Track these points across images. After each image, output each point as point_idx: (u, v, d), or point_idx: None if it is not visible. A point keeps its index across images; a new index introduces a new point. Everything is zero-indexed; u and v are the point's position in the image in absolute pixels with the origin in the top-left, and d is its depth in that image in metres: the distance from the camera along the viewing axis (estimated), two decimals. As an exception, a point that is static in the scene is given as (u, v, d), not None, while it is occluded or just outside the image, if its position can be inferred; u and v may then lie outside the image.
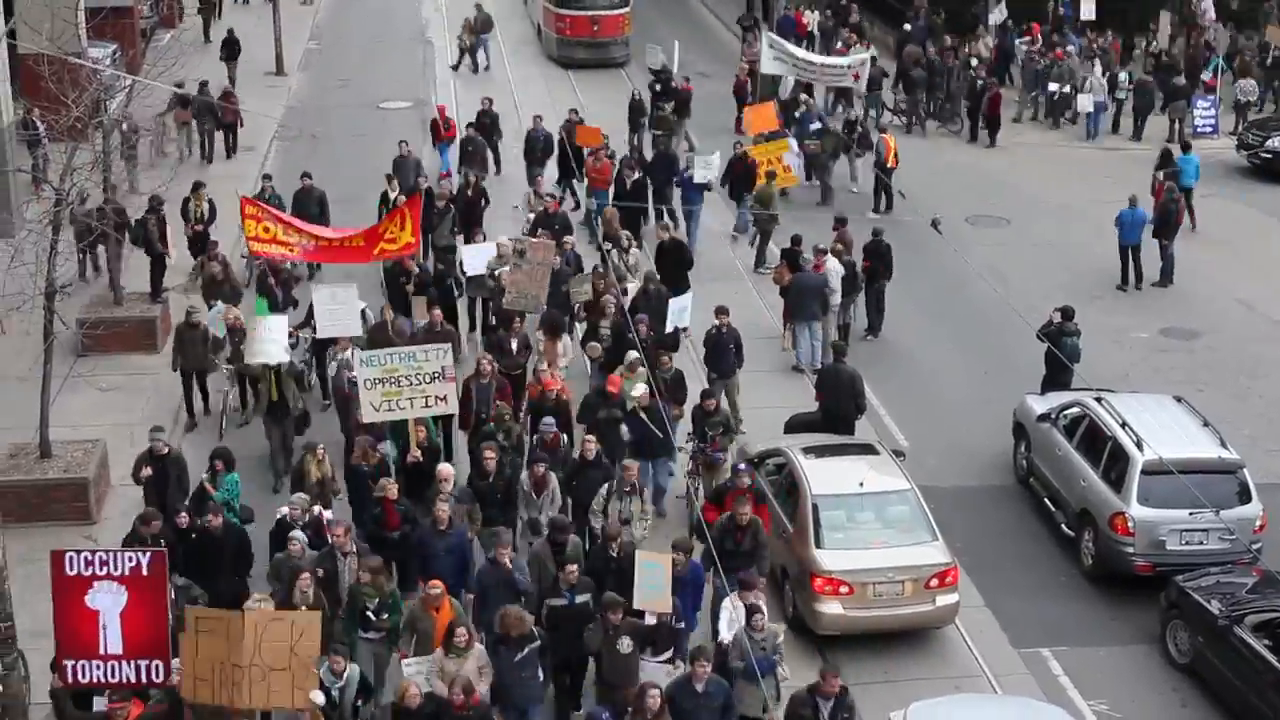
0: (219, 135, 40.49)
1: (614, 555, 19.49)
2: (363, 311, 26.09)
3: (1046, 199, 38.54)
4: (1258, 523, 22.20)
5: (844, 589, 20.46)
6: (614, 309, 26.53)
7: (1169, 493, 21.63)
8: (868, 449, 23.46)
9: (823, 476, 21.75)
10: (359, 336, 25.45)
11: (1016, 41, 48.84)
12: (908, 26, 50.48)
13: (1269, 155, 40.53)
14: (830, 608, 20.53)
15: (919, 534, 21.14)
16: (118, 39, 41.55)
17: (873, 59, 44.22)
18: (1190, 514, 21.73)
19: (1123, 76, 44.37)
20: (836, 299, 29.09)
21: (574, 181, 36.13)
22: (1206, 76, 45.84)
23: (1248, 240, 36.04)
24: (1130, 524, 22.02)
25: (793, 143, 36.79)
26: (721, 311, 26.72)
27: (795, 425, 25.26)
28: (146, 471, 22.03)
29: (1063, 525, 23.70)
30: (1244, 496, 22.27)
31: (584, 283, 27.87)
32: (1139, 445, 22.35)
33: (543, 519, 21.04)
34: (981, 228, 36.03)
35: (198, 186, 32.06)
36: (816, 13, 52.87)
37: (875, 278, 30.16)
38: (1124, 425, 22.95)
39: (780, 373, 28.83)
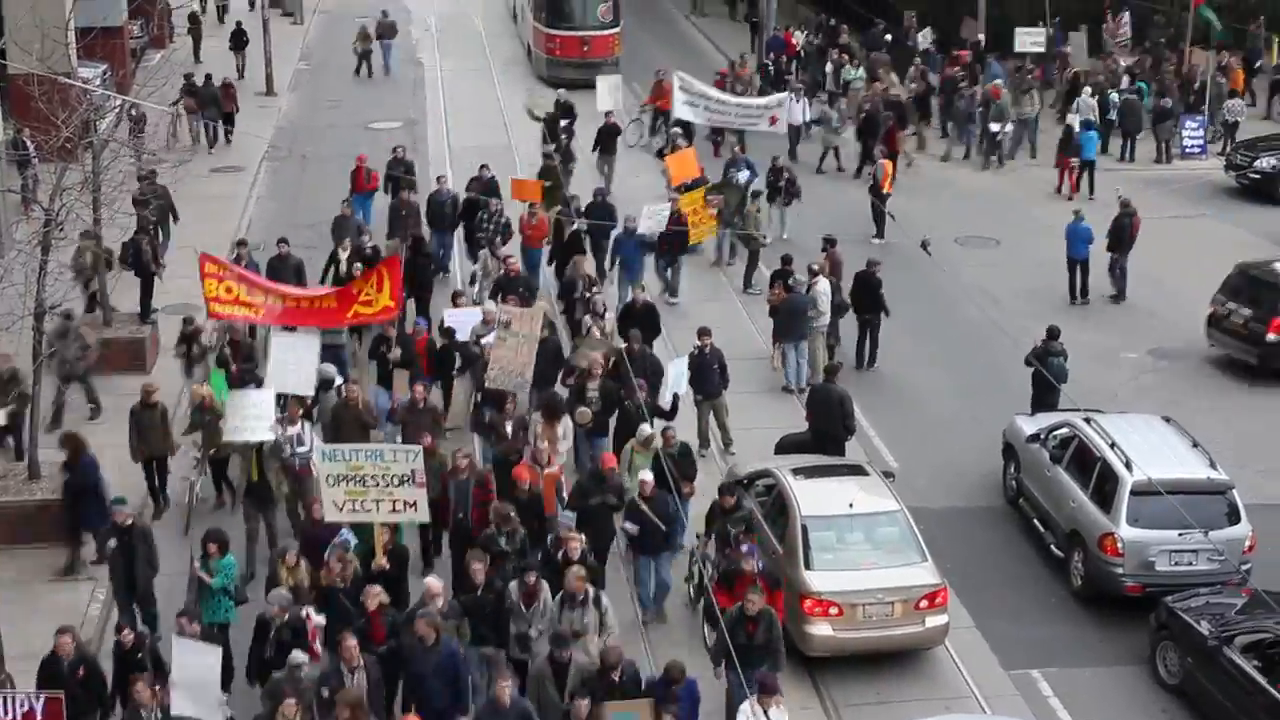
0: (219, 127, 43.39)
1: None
2: (327, 381, 24.61)
3: (1036, 219, 38.57)
4: (1247, 543, 22.20)
5: (833, 610, 20.45)
6: (601, 368, 25.07)
7: (1158, 513, 21.64)
8: (857, 470, 23.44)
9: (812, 498, 21.73)
10: (318, 409, 24.25)
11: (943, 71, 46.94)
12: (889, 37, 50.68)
13: (1257, 176, 40.62)
14: (820, 629, 20.51)
15: (908, 555, 21.14)
16: (108, 59, 41.57)
17: (829, 95, 44.28)
18: (1179, 535, 21.74)
19: (1114, 97, 44.37)
20: (824, 320, 29.12)
21: (484, 246, 32.02)
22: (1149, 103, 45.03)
23: (1236, 261, 36.02)
24: (1119, 545, 22.02)
25: (744, 174, 35.58)
26: (704, 333, 26.71)
27: (786, 446, 25.27)
28: (112, 544, 20.52)
29: (1052, 546, 23.70)
30: (1233, 517, 22.28)
31: (595, 348, 26.04)
32: (1128, 466, 22.36)
33: (533, 633, 19.18)
34: (971, 248, 36.09)
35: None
36: (806, 32, 52.94)
37: (861, 310, 29.84)
38: (1113, 446, 22.97)
39: (769, 393, 28.84)
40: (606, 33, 51.53)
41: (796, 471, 22.68)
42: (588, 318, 27.71)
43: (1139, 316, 32.89)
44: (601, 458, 22.93)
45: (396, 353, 25.67)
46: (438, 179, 34.98)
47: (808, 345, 29.03)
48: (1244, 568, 21.76)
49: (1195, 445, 23.53)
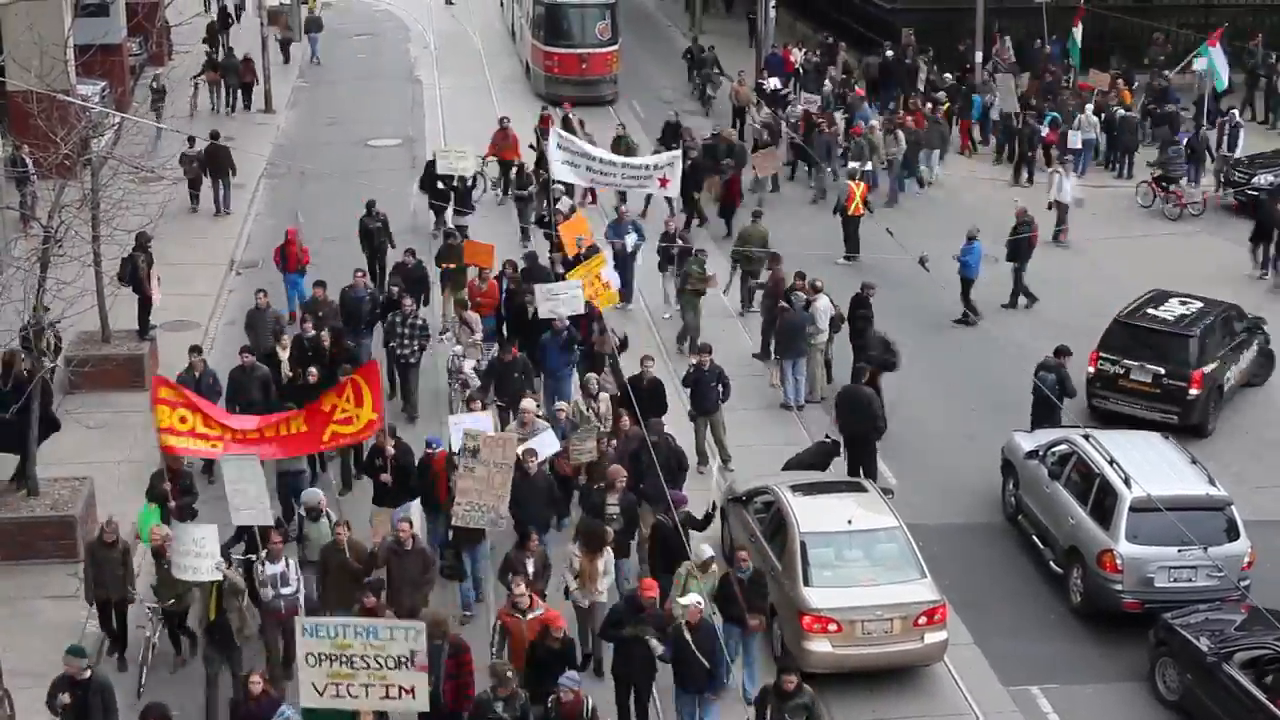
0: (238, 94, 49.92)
1: None
2: (314, 510, 21.51)
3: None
4: (1246, 559, 22.22)
5: (832, 627, 20.43)
6: (625, 480, 22.08)
7: (1157, 530, 21.66)
8: (856, 487, 23.46)
9: (811, 514, 21.73)
10: (306, 544, 21.51)
11: (799, 109, 44.24)
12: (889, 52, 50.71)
13: (1255, 193, 40.58)
14: (819, 646, 20.49)
15: (907, 572, 21.13)
16: (106, 76, 41.60)
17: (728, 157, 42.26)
18: (1179, 551, 21.75)
19: (1120, 113, 44.35)
20: (822, 337, 29.15)
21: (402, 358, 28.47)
22: (1044, 130, 43.66)
23: (1233, 278, 36.07)
24: (1119, 561, 22.01)
25: (631, 239, 33.04)
26: (703, 350, 26.70)
27: (793, 466, 25.34)
28: (64, 699, 17.97)
29: (1051, 563, 23.69)
30: (1232, 533, 22.29)
31: (587, 439, 23.92)
32: (1127, 482, 22.36)
33: None
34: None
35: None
36: (805, 50, 52.99)
37: (858, 335, 29.53)
38: (1112, 462, 22.97)
39: (768, 410, 28.85)
40: (604, 51, 51.72)
41: (795, 488, 22.68)
42: (578, 399, 25.36)
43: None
44: (641, 584, 19.91)
45: (387, 478, 22.78)
46: (355, 273, 30.13)
47: (805, 364, 29.06)
48: (1243, 584, 21.77)
49: (1194, 462, 23.54)
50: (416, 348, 28.13)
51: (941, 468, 27.00)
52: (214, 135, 39.42)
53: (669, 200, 35.93)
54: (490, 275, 30.09)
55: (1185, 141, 42.20)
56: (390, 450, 22.85)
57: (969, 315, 32.81)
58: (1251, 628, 20.27)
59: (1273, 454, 27.72)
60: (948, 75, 48.53)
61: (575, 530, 21.62)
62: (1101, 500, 22.73)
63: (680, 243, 32.64)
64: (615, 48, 52.24)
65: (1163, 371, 27.83)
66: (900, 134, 41.45)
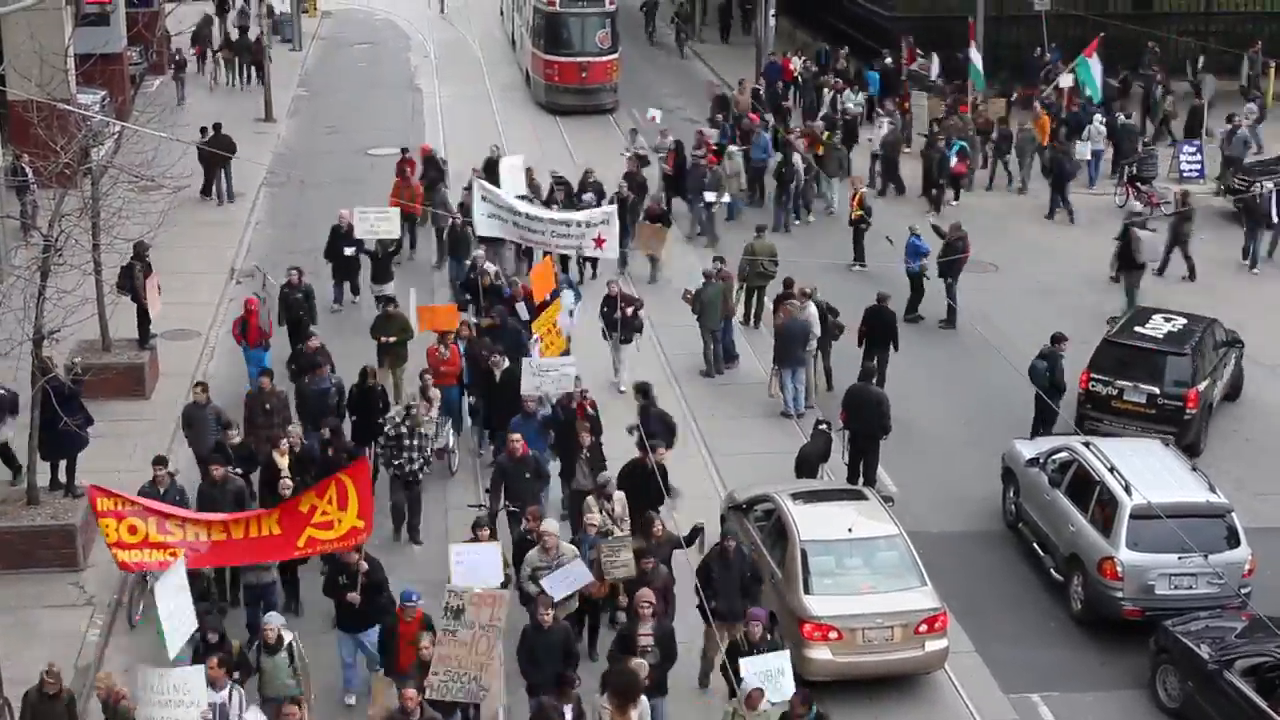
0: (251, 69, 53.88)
1: None
2: (271, 638, 18.62)
3: (1036, 244, 38.62)
4: (1246, 567, 22.22)
5: (833, 634, 20.42)
6: (655, 604, 19.30)
7: (1158, 537, 21.66)
8: (856, 494, 23.46)
9: (811, 522, 21.72)
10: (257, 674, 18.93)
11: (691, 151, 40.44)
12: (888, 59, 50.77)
13: (1256, 200, 40.55)
14: (819, 653, 20.48)
15: (908, 579, 21.12)
16: (106, 85, 41.66)
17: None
18: (1179, 558, 21.75)
19: (1121, 121, 44.34)
20: (813, 344, 29.19)
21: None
22: (952, 160, 41.37)
23: (1233, 285, 36.14)
24: (1119, 568, 22.01)
25: (568, 296, 29.46)
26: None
27: (802, 457, 25.44)
28: None
29: (1051, 570, 23.69)
30: (1233, 541, 22.29)
31: (621, 550, 20.84)
32: (1127, 490, 22.37)
33: None
34: (971, 273, 36.00)
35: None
36: (804, 58, 53.03)
37: (875, 345, 29.58)
38: (1112, 470, 22.97)
39: (766, 418, 28.86)
40: (604, 59, 51.86)
41: (796, 496, 22.68)
42: (590, 504, 22.11)
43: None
44: None
45: (355, 597, 19.79)
46: (315, 350, 26.91)
47: (804, 372, 29.08)
48: (1244, 591, 21.77)
49: (1194, 469, 23.55)
50: (424, 460, 24.26)
51: (942, 475, 27.01)
52: (216, 127, 40.29)
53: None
54: (452, 340, 27.33)
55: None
56: (362, 566, 19.68)
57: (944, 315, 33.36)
58: (1252, 635, 20.24)
59: (1272, 461, 27.73)
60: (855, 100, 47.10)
61: (602, 679, 18.34)
62: (1102, 508, 22.73)
63: (627, 309, 29.14)
64: (615, 56, 52.35)
65: (1157, 391, 27.38)
66: (797, 158, 39.33)
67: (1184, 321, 28.96)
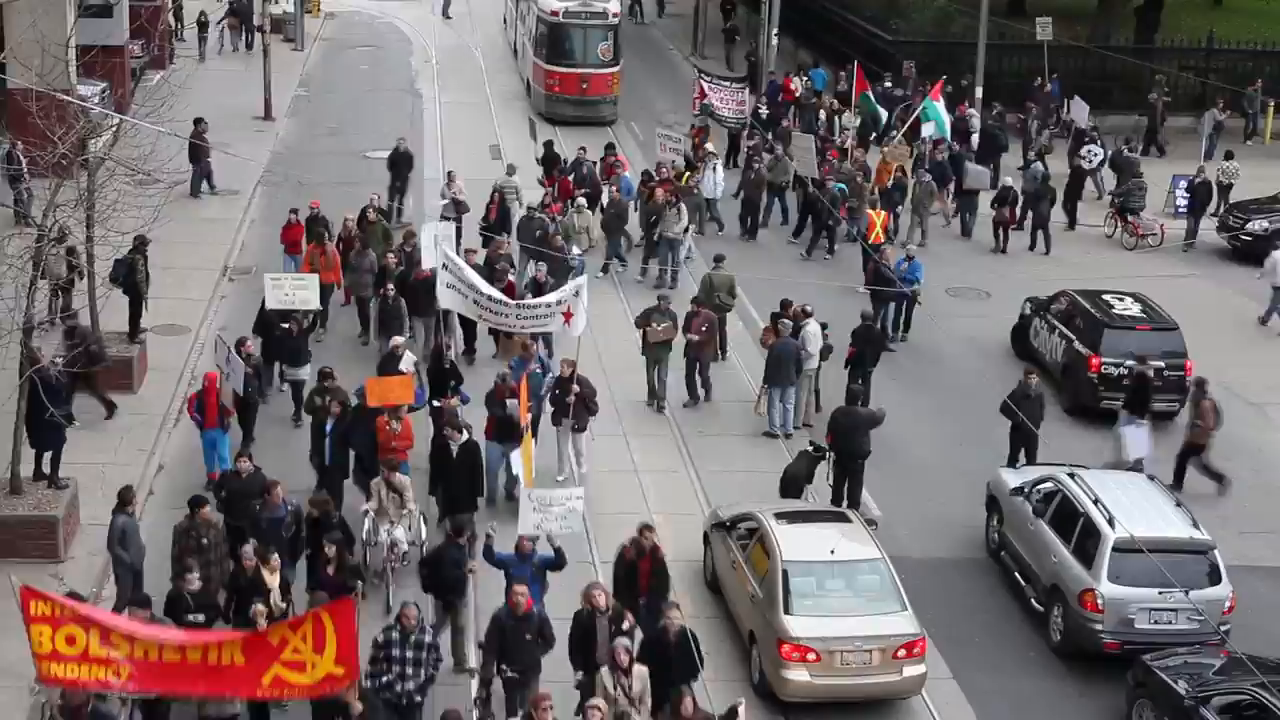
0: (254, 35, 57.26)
1: None
2: None
3: (1027, 272, 38.66)
4: (1227, 604, 22.22)
5: (811, 656, 20.42)
6: None
7: (1139, 571, 21.68)
8: (840, 517, 23.47)
9: (794, 543, 21.73)
10: None
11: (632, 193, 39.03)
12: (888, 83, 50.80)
13: (1249, 238, 40.75)
14: (797, 674, 20.47)
15: (889, 604, 21.13)
16: (107, 78, 41.61)
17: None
18: (1160, 593, 21.76)
19: (1125, 153, 44.37)
20: (812, 364, 29.17)
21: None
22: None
23: (1226, 322, 36.18)
24: (1100, 601, 22.01)
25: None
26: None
27: (787, 477, 25.58)
28: None
29: (1032, 600, 23.69)
30: (1214, 577, 22.30)
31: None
32: (1111, 522, 22.38)
33: None
34: (963, 299, 36.14)
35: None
36: (806, 77, 53.03)
37: (862, 363, 29.77)
38: (1096, 502, 22.98)
39: (751, 438, 28.84)
40: (606, 71, 51.78)
41: (779, 516, 22.69)
42: (603, 680, 18.59)
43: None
44: None
45: None
46: (266, 489, 22.30)
47: (794, 392, 29.07)
48: (1223, 628, 21.78)
49: (1178, 504, 23.56)
50: (424, 678, 19.01)
51: (927, 501, 27.01)
52: (196, 121, 39.71)
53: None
54: (404, 413, 24.79)
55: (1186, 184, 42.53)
56: (356, 708, 17.42)
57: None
58: (1230, 673, 20.25)
59: (1258, 499, 27.77)
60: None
61: None
62: (1084, 539, 22.73)
63: (576, 389, 26.13)
64: (616, 69, 52.18)
65: (1162, 365, 29.81)
66: (682, 209, 36.55)
67: (1130, 297, 32.17)
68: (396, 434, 24.42)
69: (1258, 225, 40.81)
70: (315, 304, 29.18)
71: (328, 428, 24.98)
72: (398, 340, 27.88)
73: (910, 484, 27.52)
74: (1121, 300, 31.99)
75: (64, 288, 29.85)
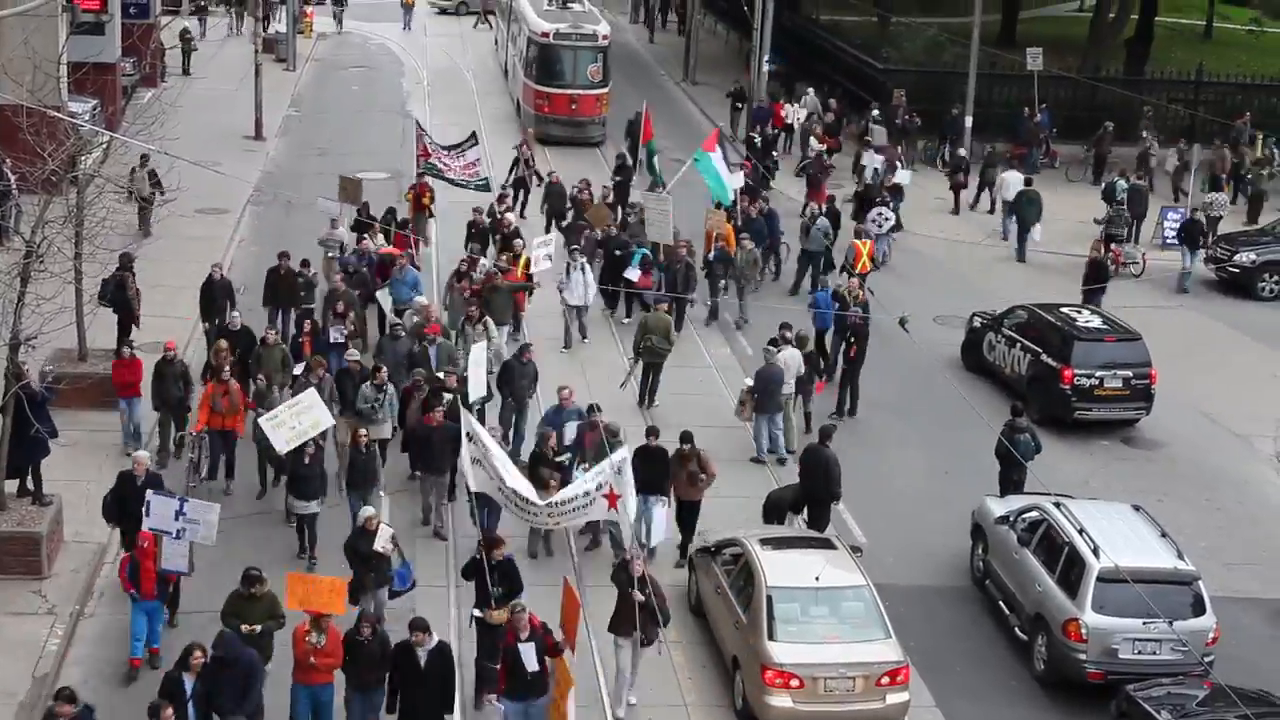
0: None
1: None
2: None
3: (1016, 301, 38.73)
4: (1211, 635, 22.22)
5: (794, 682, 20.37)
6: None
7: (1124, 601, 21.65)
8: (825, 544, 23.44)
9: (779, 569, 21.70)
10: None
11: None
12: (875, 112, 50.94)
13: (1236, 269, 40.89)
14: (780, 700, 20.42)
15: (872, 631, 21.10)
16: (98, 95, 41.63)
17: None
18: (1144, 623, 21.74)
19: (1121, 184, 44.50)
20: (789, 389, 29.14)
21: None
22: (636, 273, 34.92)
23: (1213, 353, 36.27)
24: (1083, 631, 22.00)
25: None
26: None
27: (772, 501, 25.61)
28: None
29: (1016, 629, 23.68)
30: (1198, 608, 22.30)
31: None
32: (1095, 552, 22.37)
33: None
34: (950, 327, 36.17)
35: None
36: (797, 105, 53.19)
37: (858, 360, 30.84)
38: (1081, 531, 22.99)
39: (739, 464, 28.79)
40: (594, 92, 52.49)
41: (765, 542, 22.67)
42: None
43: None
44: None
45: None
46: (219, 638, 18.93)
47: (781, 418, 29.08)
48: (1207, 659, 21.77)
49: (1163, 535, 23.57)
50: None
51: (912, 529, 26.99)
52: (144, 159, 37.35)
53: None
54: (330, 622, 19.40)
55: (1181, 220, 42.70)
56: None
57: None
58: (1213, 704, 20.25)
59: (1243, 531, 27.81)
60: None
61: None
62: (1069, 569, 22.73)
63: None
64: (605, 90, 52.87)
65: (1130, 375, 31.09)
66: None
67: (1086, 310, 33.28)
68: (319, 649, 19.17)
69: (1245, 257, 40.96)
70: (328, 420, 24.23)
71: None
72: (368, 512, 21.98)
73: (895, 511, 27.50)
74: (1080, 313, 32.87)
75: (147, 202, 36.23)
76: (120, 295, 29.55)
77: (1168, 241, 43.45)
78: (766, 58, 54.15)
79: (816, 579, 21.57)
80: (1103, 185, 45.79)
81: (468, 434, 21.69)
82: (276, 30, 61.62)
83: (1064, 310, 32.90)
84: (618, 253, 35.62)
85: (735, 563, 22.49)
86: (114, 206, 26.76)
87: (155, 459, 25.62)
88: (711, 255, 36.35)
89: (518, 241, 34.67)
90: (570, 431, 25.56)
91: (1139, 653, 22.03)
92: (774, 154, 48.33)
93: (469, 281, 32.20)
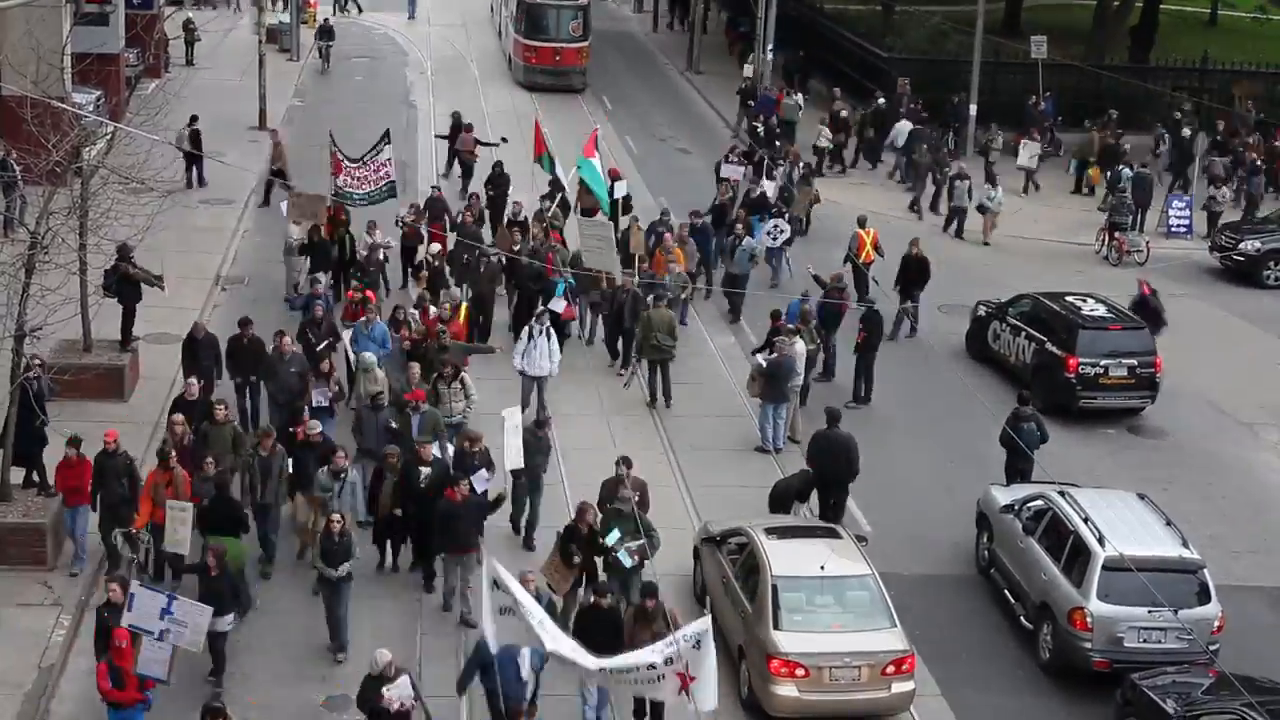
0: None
1: None
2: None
3: (1019, 289, 38.69)
4: (1216, 623, 22.22)
5: (800, 671, 20.38)
6: None
7: (1129, 590, 21.65)
8: (830, 533, 23.45)
9: (784, 558, 21.71)
10: None
11: None
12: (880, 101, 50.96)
13: (1241, 258, 40.87)
14: (785, 690, 20.44)
15: (878, 620, 21.11)
16: (102, 86, 41.62)
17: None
18: (1149, 612, 21.74)
19: (1126, 172, 44.44)
20: (799, 381, 29.16)
21: None
22: (561, 302, 31.52)
23: (1218, 341, 36.25)
24: (1089, 619, 22.01)
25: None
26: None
27: (779, 490, 25.48)
28: None
29: (1022, 618, 23.68)
30: (1203, 597, 22.30)
31: None
32: (1101, 541, 22.37)
33: None
34: (955, 316, 36.15)
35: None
36: (799, 94, 53.13)
37: (870, 347, 30.82)
38: (1086, 520, 22.98)
39: (742, 452, 28.83)
40: (576, 45, 59.50)
41: (770, 531, 22.67)
42: None
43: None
44: None
45: None
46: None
47: (786, 408, 29.07)
48: (1212, 648, 21.76)
49: (1169, 523, 23.56)
50: None
51: (917, 518, 26.99)
52: (192, 119, 41.78)
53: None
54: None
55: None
56: None
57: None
58: (1218, 692, 20.24)
59: (1248, 519, 27.80)
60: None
61: None
62: (1074, 558, 22.72)
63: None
64: (586, 43, 59.89)
65: (1135, 363, 31.11)
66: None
67: (1092, 298, 33.01)
68: None
69: (1250, 245, 40.92)
70: (184, 549, 21.85)
71: None
72: (384, 657, 18.76)
73: (900, 500, 27.50)
74: (1085, 301, 32.82)
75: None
76: (124, 286, 29.51)
77: (1173, 230, 43.42)
78: (770, 46, 54.10)
79: (822, 568, 21.58)
80: (1108, 174, 45.71)
81: (494, 580, 17.75)
82: (280, 20, 61.52)
83: (1069, 299, 32.88)
84: (533, 284, 32.06)
85: (740, 552, 22.50)
86: (118, 197, 26.69)
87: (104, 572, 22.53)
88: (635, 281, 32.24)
89: (453, 291, 31.21)
90: (479, 483, 23.07)
91: (1144, 641, 22.03)
92: (776, 144, 48.21)
93: (409, 330, 28.35)
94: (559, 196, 37.02)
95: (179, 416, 24.24)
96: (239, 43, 60.81)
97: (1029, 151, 46.87)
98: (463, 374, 26.59)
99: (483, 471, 23.28)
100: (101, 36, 40.53)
